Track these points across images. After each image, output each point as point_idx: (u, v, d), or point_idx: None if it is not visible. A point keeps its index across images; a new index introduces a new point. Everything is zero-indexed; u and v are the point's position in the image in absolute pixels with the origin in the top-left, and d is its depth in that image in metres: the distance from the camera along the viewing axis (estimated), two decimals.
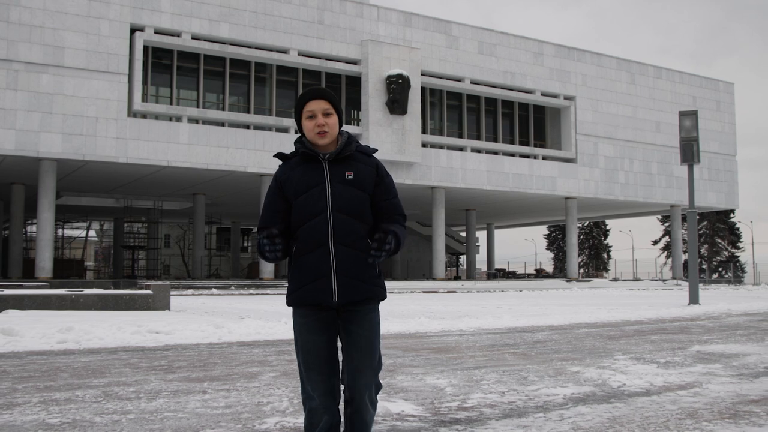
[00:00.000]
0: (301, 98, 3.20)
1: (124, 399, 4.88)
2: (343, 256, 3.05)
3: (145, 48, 33.91)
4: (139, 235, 52.59)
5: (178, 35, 34.19)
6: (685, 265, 79.93)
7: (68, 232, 59.07)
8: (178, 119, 34.19)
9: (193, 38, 34.51)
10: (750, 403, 4.86)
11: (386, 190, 3.20)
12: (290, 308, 3.20)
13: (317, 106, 3.15)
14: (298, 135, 3.22)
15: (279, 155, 3.27)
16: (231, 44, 35.65)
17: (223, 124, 35.56)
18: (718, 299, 22.70)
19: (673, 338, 9.68)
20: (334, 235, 3.06)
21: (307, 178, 3.12)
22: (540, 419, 4.28)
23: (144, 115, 33.56)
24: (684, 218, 79.36)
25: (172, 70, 35.94)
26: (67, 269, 44.52)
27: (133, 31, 32.98)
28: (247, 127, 35.93)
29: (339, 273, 3.05)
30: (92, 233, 73.14)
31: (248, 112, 37.13)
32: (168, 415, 4.36)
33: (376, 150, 3.29)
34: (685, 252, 75.86)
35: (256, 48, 36.26)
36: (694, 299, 18.74)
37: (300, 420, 4.23)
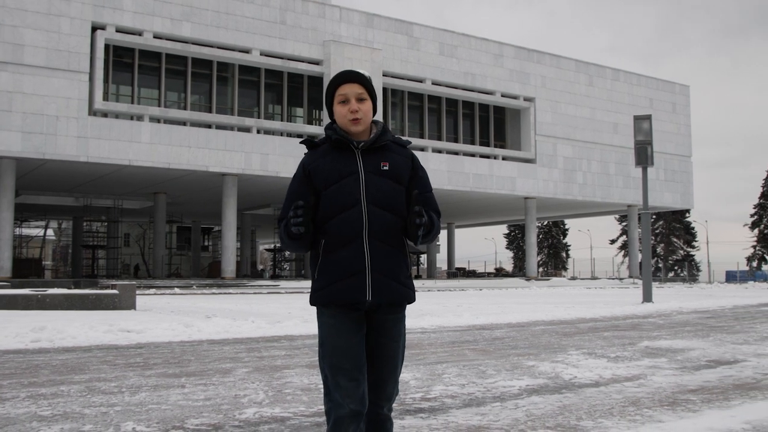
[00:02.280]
0: (334, 80, 2.98)
1: (108, 393, 5.17)
2: (377, 253, 2.86)
3: (107, 46, 33.78)
4: (99, 234, 52.18)
5: (140, 34, 34.11)
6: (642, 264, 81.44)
7: (26, 231, 58.29)
8: (140, 118, 34.11)
9: (155, 37, 34.46)
10: (688, 392, 5.32)
11: (421, 183, 3.00)
12: (310, 308, 3.11)
13: (351, 90, 2.94)
14: (329, 122, 3.02)
15: (306, 141, 3.05)
16: (193, 43, 35.66)
17: (184, 124, 35.56)
18: (671, 298, 23.45)
19: (624, 335, 10.18)
20: (368, 229, 2.85)
21: (340, 167, 2.91)
22: (497, 408, 4.68)
23: (105, 114, 33.44)
24: (641, 218, 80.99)
25: (134, 68, 35.84)
26: (26, 269, 44.03)
27: (94, 29, 32.83)
28: (209, 126, 35.97)
29: (374, 270, 2.85)
30: (50, 232, 72.25)
31: (210, 111, 37.17)
32: (152, 407, 4.66)
33: (410, 142, 3.10)
34: (641, 251, 77.54)
35: (219, 47, 36.32)
36: (647, 297, 19.42)
37: (276, 410, 4.56)
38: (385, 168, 2.91)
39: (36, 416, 4.36)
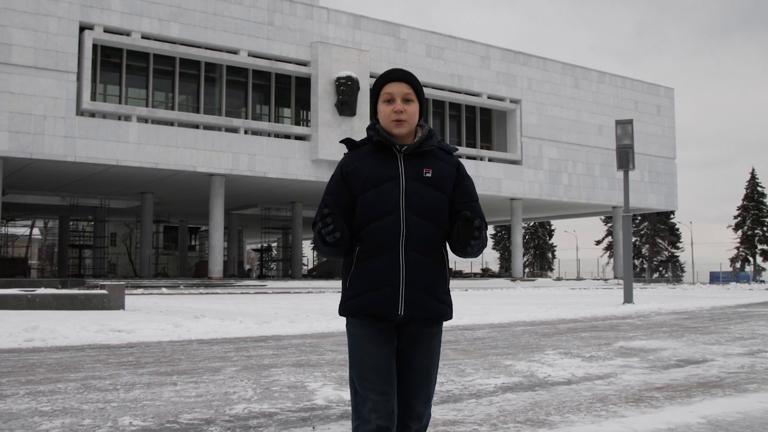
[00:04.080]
0: (381, 79, 2.83)
1: (104, 390, 5.42)
2: (414, 265, 2.69)
3: (95, 46, 33.87)
4: (85, 234, 52.18)
5: (128, 34, 34.25)
6: None
7: (11, 230, 58.22)
8: (127, 118, 34.24)
9: (143, 37, 34.59)
10: (654, 390, 5.63)
11: (466, 192, 2.81)
12: (342, 318, 2.86)
13: (397, 89, 2.78)
14: (372, 122, 2.86)
15: (347, 141, 2.88)
16: (181, 44, 35.81)
17: (172, 124, 35.70)
18: (653, 299, 23.85)
19: (601, 335, 10.51)
20: (406, 239, 2.68)
21: (380, 171, 2.74)
22: (472, 404, 4.97)
23: (93, 114, 33.55)
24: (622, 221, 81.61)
25: (122, 69, 35.95)
26: (11, 268, 44.05)
27: (82, 29, 32.93)
28: (197, 126, 36.12)
29: (408, 283, 2.67)
30: (36, 231, 72.11)
31: (198, 111, 37.31)
32: (147, 403, 4.93)
33: (457, 149, 2.91)
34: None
35: (206, 48, 36.49)
36: (628, 299, 19.78)
37: (264, 406, 4.83)
38: (427, 175, 2.75)
39: (37, 412, 4.61)
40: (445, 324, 10.75)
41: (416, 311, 2.69)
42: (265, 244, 55.23)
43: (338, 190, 2.77)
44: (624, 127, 20.65)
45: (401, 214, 2.69)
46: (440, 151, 2.82)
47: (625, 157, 20.40)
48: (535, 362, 7.24)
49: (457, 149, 2.91)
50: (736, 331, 11.22)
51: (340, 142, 2.96)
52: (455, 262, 79.20)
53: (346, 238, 2.68)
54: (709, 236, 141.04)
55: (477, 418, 4.50)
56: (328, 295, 26.70)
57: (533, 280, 52.29)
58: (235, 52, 37.15)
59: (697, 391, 5.59)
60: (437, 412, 4.69)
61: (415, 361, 2.76)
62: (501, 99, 47.43)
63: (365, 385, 2.71)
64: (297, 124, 40.81)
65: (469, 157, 45.84)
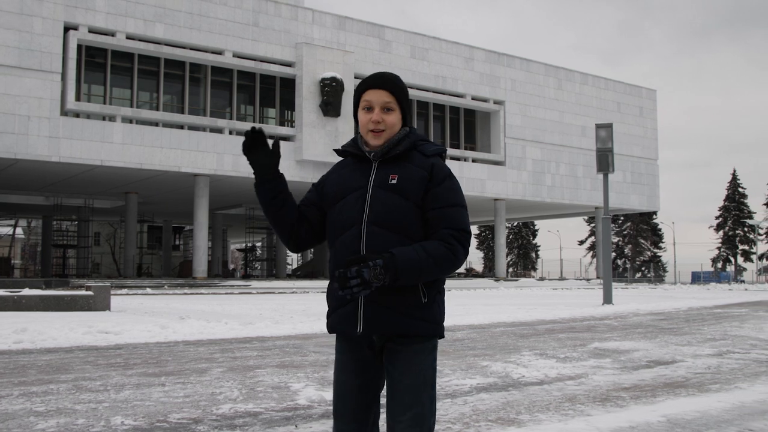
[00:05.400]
0: (361, 85, 2.65)
1: (95, 391, 5.64)
2: None
3: (79, 47, 33.91)
4: (69, 233, 52.07)
5: (113, 35, 34.30)
6: (612, 265, 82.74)
7: None
8: (112, 119, 34.29)
9: (127, 38, 34.67)
10: (621, 390, 5.91)
11: (436, 197, 2.55)
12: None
13: (377, 97, 2.58)
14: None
15: (338, 151, 2.75)
16: (166, 44, 35.90)
17: (157, 124, 35.79)
18: (632, 299, 24.24)
19: (578, 336, 10.80)
20: (365, 253, 2.50)
21: (348, 182, 2.62)
22: (447, 403, 5.23)
23: (77, 114, 33.58)
24: (612, 220, 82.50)
25: (106, 69, 35.99)
26: None
27: (66, 29, 32.96)
28: (182, 127, 36.23)
29: (368, 299, 2.50)
30: (19, 231, 71.81)
31: (183, 112, 37.42)
32: (137, 403, 5.15)
33: (444, 150, 2.67)
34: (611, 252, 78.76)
35: (191, 49, 36.59)
36: (608, 299, 20.12)
37: (249, 406, 5.07)
38: (393, 181, 2.55)
39: (32, 412, 4.83)
40: None
41: (377, 328, 2.51)
42: (249, 244, 55.33)
43: (312, 193, 2.72)
44: (603, 130, 20.98)
45: (362, 227, 2.53)
46: (417, 153, 2.61)
47: (604, 161, 20.74)
48: (511, 363, 7.51)
49: (442, 149, 2.66)
50: (709, 333, 11.55)
51: (334, 150, 2.85)
52: None
53: (284, 207, 2.64)
54: (691, 236, 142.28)
55: (451, 417, 4.75)
56: (312, 295, 26.93)
57: (516, 280, 52.74)
58: (220, 52, 37.28)
59: (663, 391, 5.88)
60: None
61: (395, 380, 2.55)
62: (485, 100, 47.82)
63: (335, 410, 2.64)
64: (282, 124, 40.98)
65: (453, 158, 46.15)
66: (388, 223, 2.51)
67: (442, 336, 2.62)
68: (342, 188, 2.61)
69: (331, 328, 2.65)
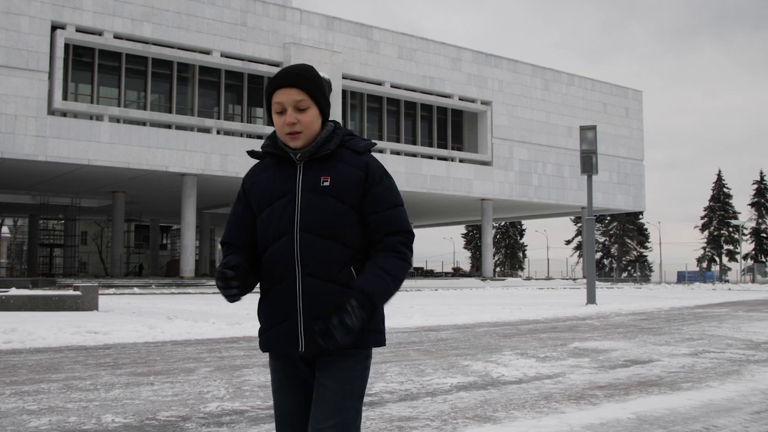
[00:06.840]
0: (269, 85, 2.40)
1: (85, 390, 5.80)
2: (312, 293, 2.32)
3: (66, 46, 33.94)
4: (56, 233, 51.99)
5: (100, 34, 34.34)
6: (598, 264, 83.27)
7: None
8: (99, 118, 34.33)
9: (115, 37, 34.71)
10: (596, 389, 6.11)
11: (375, 199, 2.37)
12: None
13: (287, 97, 2.34)
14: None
15: (252, 153, 2.54)
16: (154, 44, 35.97)
17: (144, 124, 35.85)
18: (616, 299, 24.52)
19: (559, 336, 11.02)
20: (301, 264, 2.32)
21: (274, 187, 2.40)
22: (427, 401, 5.42)
23: (64, 114, 33.62)
24: (598, 219, 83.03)
25: (94, 68, 36.03)
26: None
27: (54, 28, 32.99)
28: (169, 126, 36.30)
29: (307, 315, 2.32)
30: (5, 229, 71.56)
31: (170, 111, 37.50)
32: (127, 402, 5.32)
33: (373, 144, 2.47)
34: (597, 252, 79.38)
35: (179, 48, 36.67)
36: (591, 299, 20.37)
37: (236, 404, 5.24)
38: (325, 184, 2.35)
39: (24, 410, 4.98)
40: (412, 325, 11.15)
41: (319, 346, 2.29)
42: None
43: (241, 209, 2.48)
44: (587, 132, 21.24)
45: (295, 235, 2.33)
46: (348, 151, 2.40)
47: (589, 162, 21.00)
48: (492, 363, 7.71)
49: (373, 144, 2.47)
50: (687, 332, 11.79)
51: (247, 152, 2.63)
52: (426, 261, 79.93)
53: (244, 291, 2.35)
54: (676, 236, 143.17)
55: (430, 414, 4.94)
56: None
57: (503, 280, 53.05)
58: (207, 52, 37.37)
59: (636, 390, 6.08)
60: (394, 408, 5.12)
61: (321, 385, 2.34)
62: (472, 100, 48.11)
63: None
64: (270, 124, 40.98)
65: (440, 158, 46.44)
66: (322, 229, 2.33)
67: (382, 344, 2.42)
68: (268, 194, 2.41)
69: (265, 347, 2.43)
